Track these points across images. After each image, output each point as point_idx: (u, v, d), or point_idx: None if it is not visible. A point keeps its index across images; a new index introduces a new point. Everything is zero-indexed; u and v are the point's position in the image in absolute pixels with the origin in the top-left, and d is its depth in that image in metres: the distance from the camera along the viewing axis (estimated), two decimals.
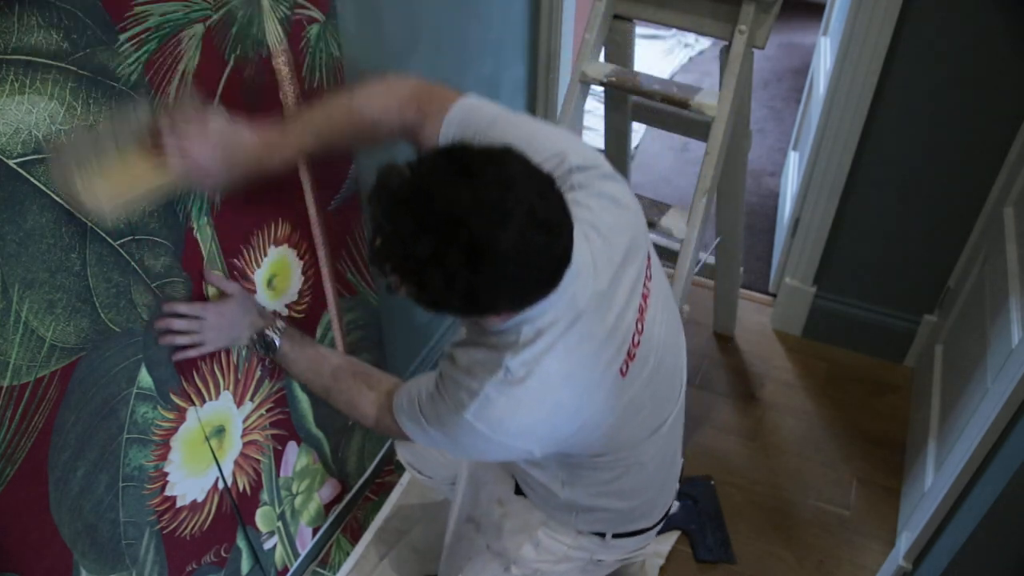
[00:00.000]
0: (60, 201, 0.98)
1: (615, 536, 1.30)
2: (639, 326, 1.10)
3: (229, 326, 1.24)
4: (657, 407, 1.20)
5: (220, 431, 1.38)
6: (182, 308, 1.19)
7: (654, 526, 1.33)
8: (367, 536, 1.91)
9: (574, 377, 1.04)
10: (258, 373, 1.43)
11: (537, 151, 1.01)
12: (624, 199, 1.10)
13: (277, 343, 1.28)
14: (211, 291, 1.26)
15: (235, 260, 1.31)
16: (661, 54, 3.93)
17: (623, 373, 1.09)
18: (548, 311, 1.00)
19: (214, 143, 1.09)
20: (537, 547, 1.32)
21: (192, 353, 1.22)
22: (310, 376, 1.29)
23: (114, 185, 1.02)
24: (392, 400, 1.15)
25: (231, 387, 1.37)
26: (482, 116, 1.08)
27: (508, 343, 1.01)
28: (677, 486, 1.37)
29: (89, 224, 1.02)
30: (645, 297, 1.11)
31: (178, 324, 1.18)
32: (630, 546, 1.33)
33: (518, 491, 1.34)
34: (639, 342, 1.10)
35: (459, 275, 0.87)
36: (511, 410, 1.02)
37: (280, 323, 1.31)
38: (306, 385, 1.29)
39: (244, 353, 1.38)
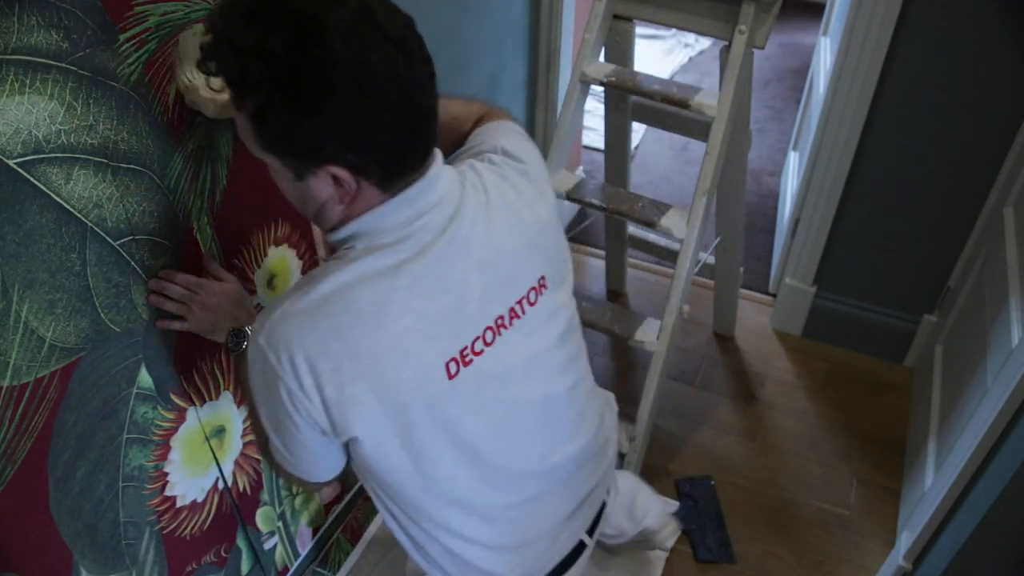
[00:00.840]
0: (60, 201, 0.98)
1: None
2: (488, 336, 0.99)
3: (216, 310, 1.16)
4: (516, 470, 1.09)
5: (220, 431, 1.38)
6: (180, 277, 1.15)
7: None
8: (367, 536, 1.91)
9: (386, 324, 0.91)
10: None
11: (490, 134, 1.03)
12: (536, 203, 1.04)
13: (246, 341, 1.16)
14: None
15: (235, 260, 1.31)
16: (661, 54, 3.94)
17: (449, 372, 0.96)
18: (388, 231, 0.92)
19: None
20: None
21: (175, 325, 1.16)
22: (245, 381, 1.14)
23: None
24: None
25: (231, 387, 1.37)
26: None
27: (337, 256, 0.93)
28: (572, 546, 1.23)
29: (89, 224, 1.02)
30: (512, 315, 1.01)
31: (172, 290, 1.14)
32: None
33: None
34: (481, 351, 0.99)
35: (280, 55, 0.79)
36: (288, 308, 0.90)
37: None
38: (246, 393, 1.17)
39: None
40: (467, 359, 0.98)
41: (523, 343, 1.04)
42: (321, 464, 1.03)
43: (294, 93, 0.81)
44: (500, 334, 1.01)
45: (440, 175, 0.95)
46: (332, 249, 0.99)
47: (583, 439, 1.17)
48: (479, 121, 1.17)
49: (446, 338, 0.96)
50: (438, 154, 0.96)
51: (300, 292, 0.92)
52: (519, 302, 1.02)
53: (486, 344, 0.99)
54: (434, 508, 1.07)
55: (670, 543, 1.75)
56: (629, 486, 1.70)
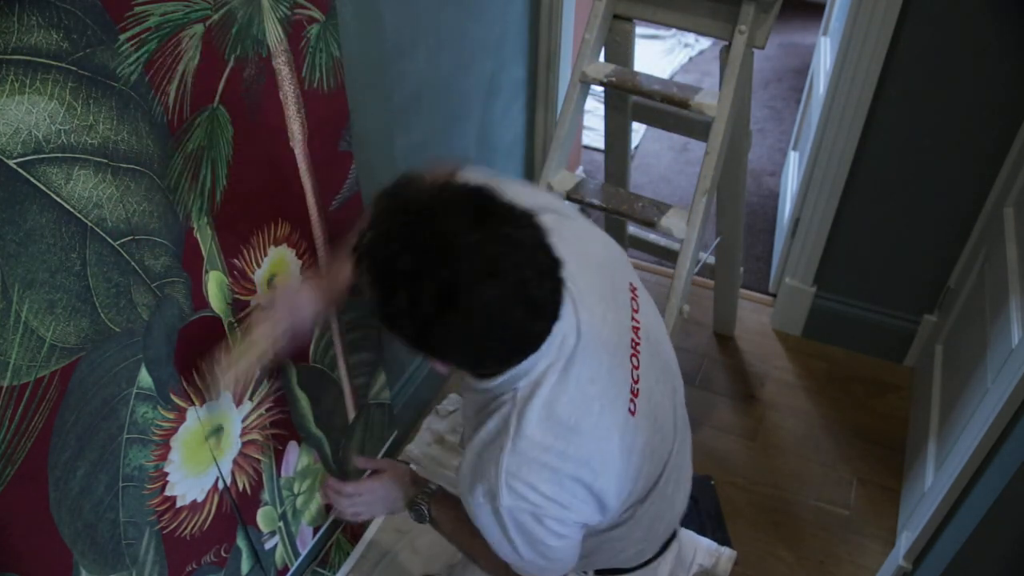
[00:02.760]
0: (60, 201, 0.98)
1: (597, 573, 1.29)
2: (635, 361, 1.08)
3: (384, 500, 1.35)
4: (664, 449, 1.18)
5: (218, 430, 1.38)
6: (348, 488, 1.37)
7: (638, 567, 1.30)
8: (367, 536, 1.91)
9: (586, 420, 1.01)
10: (257, 372, 1.43)
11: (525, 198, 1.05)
12: (597, 234, 1.16)
13: (426, 511, 1.30)
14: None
15: (235, 260, 1.31)
16: (661, 54, 3.94)
17: (632, 412, 1.06)
18: (540, 361, 0.98)
19: (288, 313, 1.27)
20: None
21: (351, 519, 1.42)
22: (456, 535, 1.30)
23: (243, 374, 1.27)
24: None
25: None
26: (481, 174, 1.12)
27: (506, 401, 0.99)
28: (677, 526, 1.34)
29: (89, 224, 1.02)
30: (635, 330, 1.10)
31: (342, 504, 1.38)
32: None
33: None
34: (639, 378, 1.07)
35: (423, 309, 0.85)
36: (536, 472, 0.98)
37: (430, 487, 1.34)
38: (450, 541, 1.33)
39: None
40: (635, 391, 1.07)
41: (655, 346, 1.14)
42: (575, 553, 1.12)
43: (421, 336, 0.91)
44: (639, 354, 1.10)
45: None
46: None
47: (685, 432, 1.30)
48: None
49: (618, 387, 1.05)
50: None
51: (508, 445, 0.98)
52: (633, 316, 1.11)
53: (636, 369, 1.08)
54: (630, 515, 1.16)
55: (729, 571, 1.77)
56: None
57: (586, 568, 1.28)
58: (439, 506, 1.30)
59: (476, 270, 0.84)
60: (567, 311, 1.00)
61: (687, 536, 1.77)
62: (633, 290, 1.14)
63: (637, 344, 1.09)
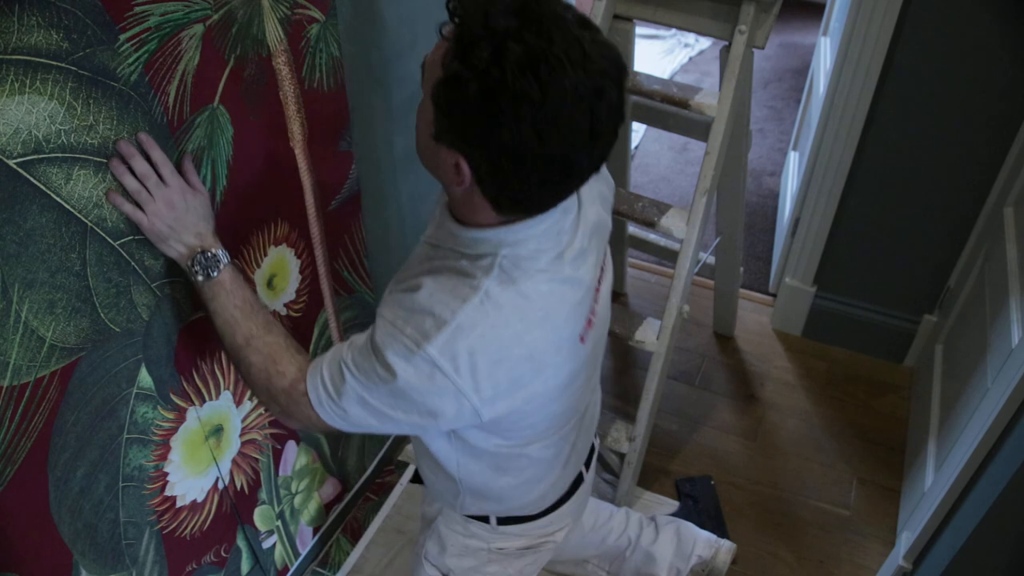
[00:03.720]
0: (60, 201, 0.98)
1: (500, 522, 1.26)
2: (595, 295, 1.07)
3: (183, 212, 1.07)
4: (591, 387, 1.19)
5: (218, 430, 1.38)
6: (155, 154, 1.06)
7: (541, 515, 1.28)
8: (367, 536, 1.91)
9: (549, 320, 0.96)
10: None
11: None
12: (606, 179, 1.16)
13: (221, 265, 1.07)
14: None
15: (235, 260, 1.31)
16: (661, 54, 3.93)
17: (582, 339, 1.04)
18: (531, 239, 0.94)
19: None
20: (440, 542, 1.32)
21: (126, 208, 1.05)
22: (236, 316, 1.06)
23: None
24: (307, 382, 1.01)
25: (231, 387, 1.37)
26: None
27: (483, 267, 0.94)
28: (583, 469, 1.33)
29: (89, 224, 1.02)
30: (602, 271, 1.10)
31: (139, 165, 1.04)
32: (527, 531, 1.29)
33: (417, 479, 1.34)
34: (595, 312, 1.07)
35: (501, 69, 0.79)
36: (486, 341, 0.92)
37: (223, 251, 1.10)
38: (221, 327, 1.07)
39: None
40: (590, 323, 1.05)
41: (605, 297, 1.13)
42: (390, 431, 1.05)
43: (479, 113, 0.83)
44: (600, 288, 1.09)
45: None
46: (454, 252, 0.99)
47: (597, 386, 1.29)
48: None
49: (583, 309, 1.03)
50: None
51: (475, 299, 0.92)
52: (604, 259, 1.11)
53: (595, 303, 1.07)
54: (541, 427, 1.10)
55: (728, 562, 1.77)
56: (669, 526, 1.75)
57: (488, 512, 1.25)
58: (233, 275, 1.08)
59: (568, 53, 0.80)
60: (571, 208, 0.99)
61: (686, 529, 1.78)
62: (604, 259, 1.14)
63: (598, 291, 1.08)
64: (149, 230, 1.07)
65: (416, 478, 1.37)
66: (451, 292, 0.93)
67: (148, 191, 1.05)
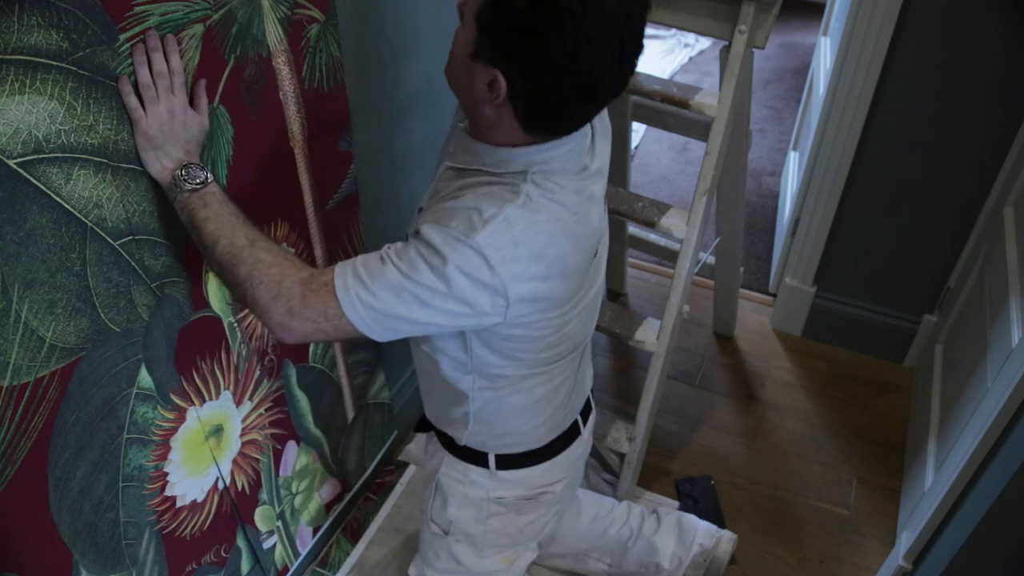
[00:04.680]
0: (60, 201, 0.98)
1: (499, 467, 1.29)
2: (598, 253, 1.14)
3: (180, 124, 1.07)
4: (590, 318, 1.22)
5: (218, 430, 1.38)
6: (174, 63, 1.05)
7: (543, 457, 1.31)
8: (367, 536, 1.91)
9: (579, 226, 1.03)
10: (257, 373, 1.43)
11: None
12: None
13: (210, 177, 1.06)
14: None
15: None
16: (661, 54, 3.93)
17: (596, 252, 1.12)
18: (557, 159, 1.01)
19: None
20: (440, 494, 1.34)
21: (129, 101, 1.02)
22: (233, 221, 1.04)
23: None
24: (334, 270, 1.00)
25: (231, 387, 1.37)
26: None
27: (518, 178, 1.00)
28: (573, 421, 1.35)
29: (89, 224, 1.02)
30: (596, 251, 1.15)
31: (158, 63, 1.03)
32: (526, 479, 1.32)
33: (426, 427, 1.36)
34: (599, 248, 1.14)
35: None
36: (528, 236, 0.98)
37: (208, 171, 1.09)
38: (217, 232, 1.02)
39: (244, 353, 1.38)
40: (596, 251, 1.13)
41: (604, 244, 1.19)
42: (402, 330, 1.03)
43: (523, 20, 0.89)
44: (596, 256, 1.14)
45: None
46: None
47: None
48: None
49: (597, 231, 1.11)
50: None
51: (518, 200, 0.98)
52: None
53: (595, 256, 1.13)
54: (552, 351, 1.15)
55: (730, 552, 1.78)
56: (670, 517, 1.76)
57: (489, 448, 1.28)
58: (224, 192, 1.07)
59: None
60: (587, 135, 1.06)
61: (687, 519, 1.79)
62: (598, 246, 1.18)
63: (595, 255, 1.14)
64: (143, 131, 1.04)
65: (420, 425, 1.39)
66: (494, 196, 0.99)
67: (156, 91, 1.04)
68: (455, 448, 1.31)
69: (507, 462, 1.30)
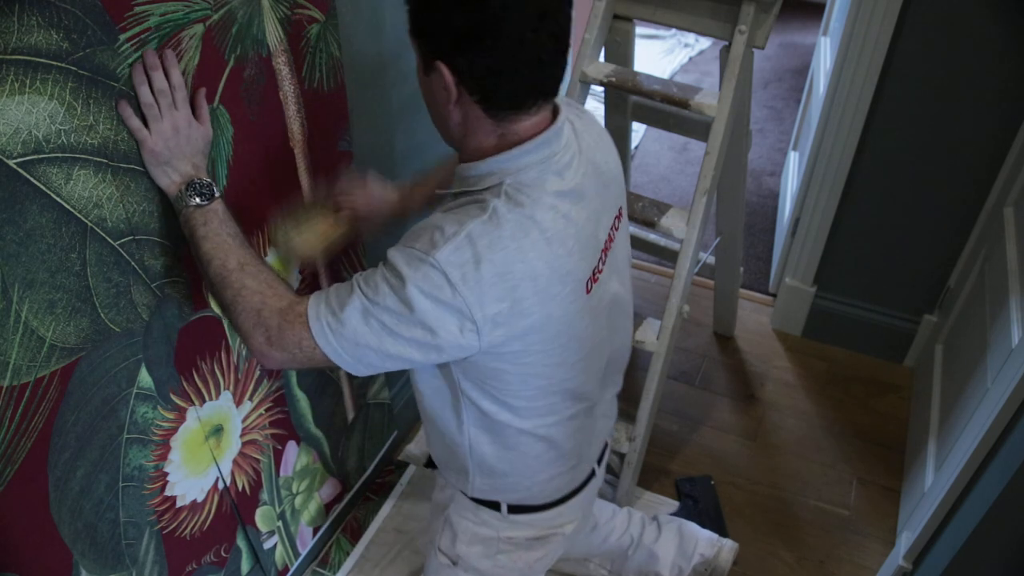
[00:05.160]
0: (60, 201, 0.98)
1: (512, 511, 1.27)
2: (603, 256, 1.09)
3: (185, 139, 1.08)
4: (601, 373, 1.18)
5: (218, 430, 1.38)
6: (175, 78, 1.06)
7: (552, 505, 1.29)
8: (367, 536, 1.91)
9: (553, 246, 0.99)
10: (257, 373, 1.43)
11: None
12: (610, 143, 1.16)
13: (216, 193, 1.08)
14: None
15: None
16: (661, 54, 3.93)
17: (588, 290, 1.06)
18: (532, 166, 0.99)
19: (369, 199, 1.32)
20: (451, 529, 1.33)
21: (132, 123, 1.04)
22: (229, 243, 1.06)
23: (307, 240, 1.29)
24: (309, 300, 1.01)
25: (231, 387, 1.37)
26: None
27: (490, 194, 0.99)
28: (595, 465, 1.35)
29: (89, 224, 1.02)
30: (610, 239, 1.12)
31: (159, 81, 1.04)
32: (537, 522, 1.30)
33: (431, 464, 1.34)
34: (601, 271, 1.09)
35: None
36: (492, 252, 0.95)
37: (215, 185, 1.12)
38: (211, 253, 1.05)
39: (244, 353, 1.38)
40: (596, 278, 1.08)
41: (620, 272, 1.18)
42: (376, 363, 1.02)
43: (460, 18, 0.91)
44: (606, 257, 1.11)
45: (564, 119, 1.03)
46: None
47: (627, 350, 1.31)
48: None
49: (588, 252, 1.06)
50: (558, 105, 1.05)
51: (487, 215, 0.97)
52: (612, 229, 1.13)
53: (602, 263, 1.10)
54: (546, 399, 1.12)
55: (731, 561, 1.78)
56: (671, 525, 1.76)
57: (499, 498, 1.26)
58: (227, 211, 1.09)
59: None
60: (569, 143, 1.03)
61: (688, 528, 1.78)
62: (619, 214, 1.16)
63: (606, 250, 1.10)
64: (150, 149, 1.06)
65: (430, 462, 1.37)
66: (461, 214, 0.98)
67: (159, 109, 1.05)
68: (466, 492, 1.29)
69: (520, 508, 1.28)
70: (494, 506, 1.27)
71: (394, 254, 0.98)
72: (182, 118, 1.07)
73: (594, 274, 1.07)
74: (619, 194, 1.16)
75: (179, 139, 1.07)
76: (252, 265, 1.05)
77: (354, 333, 0.98)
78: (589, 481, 1.34)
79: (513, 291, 0.97)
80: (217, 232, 1.06)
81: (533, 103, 0.98)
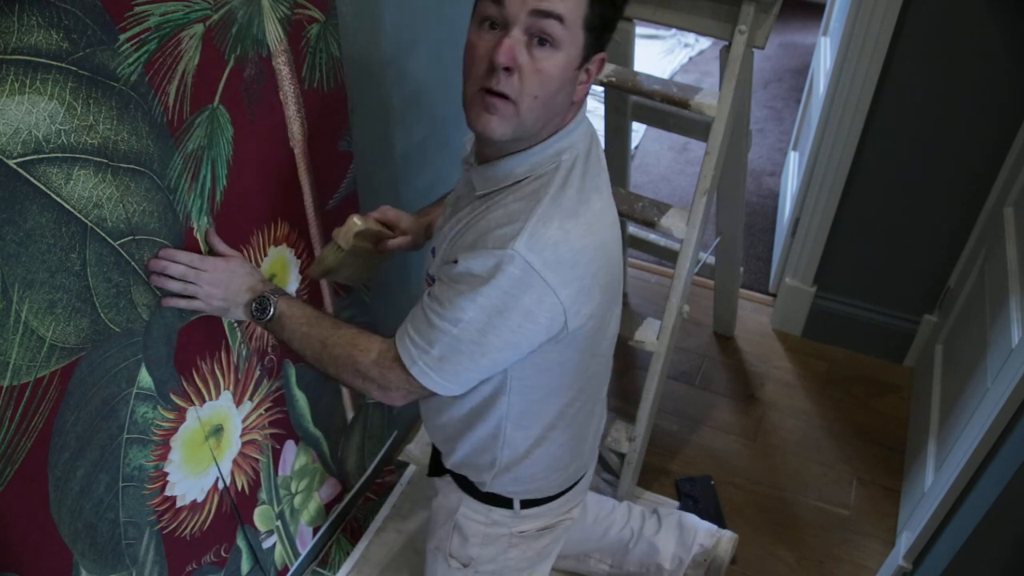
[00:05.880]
0: (60, 201, 0.98)
1: (523, 506, 1.29)
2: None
3: (227, 283, 1.16)
4: (610, 354, 1.22)
5: (218, 430, 1.38)
6: (182, 256, 1.14)
7: (561, 494, 1.32)
8: (367, 536, 1.91)
9: (606, 216, 1.05)
10: (257, 373, 1.43)
11: None
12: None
13: (273, 303, 1.16)
14: None
15: (278, 289, 1.31)
16: (661, 54, 3.94)
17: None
18: (578, 140, 1.03)
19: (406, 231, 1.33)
20: (460, 533, 1.34)
21: (182, 303, 1.15)
22: (306, 331, 1.15)
23: (355, 269, 1.35)
24: (396, 345, 1.07)
25: (231, 387, 1.37)
26: None
27: (550, 171, 1.01)
28: (593, 463, 1.38)
29: (89, 224, 1.02)
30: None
31: (174, 269, 1.12)
32: (547, 512, 1.32)
33: (441, 472, 1.35)
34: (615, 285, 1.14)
35: None
36: (564, 231, 0.96)
37: (278, 288, 1.22)
38: (300, 347, 1.15)
39: (244, 353, 1.38)
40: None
41: None
42: (475, 377, 1.07)
43: None
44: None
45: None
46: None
47: None
48: None
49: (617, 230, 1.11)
50: None
51: (548, 196, 0.99)
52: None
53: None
54: (580, 386, 1.16)
55: (731, 553, 1.78)
56: (671, 517, 1.77)
57: (513, 494, 1.28)
58: (289, 302, 1.17)
59: None
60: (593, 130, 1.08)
61: (688, 519, 1.79)
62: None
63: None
64: (214, 308, 1.17)
65: (433, 471, 1.38)
66: (521, 203, 0.99)
67: (191, 282, 1.14)
68: (476, 492, 1.30)
69: (531, 502, 1.30)
70: (506, 504, 1.28)
71: (465, 262, 0.98)
72: (216, 270, 1.16)
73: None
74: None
75: (224, 288, 1.16)
76: (332, 336, 1.12)
77: (453, 359, 1.02)
78: (590, 465, 1.38)
79: (589, 264, 1.00)
80: (293, 331, 1.15)
81: None
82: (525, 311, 0.97)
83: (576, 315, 1.01)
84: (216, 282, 1.15)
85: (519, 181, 1.02)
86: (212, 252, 1.21)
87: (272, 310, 1.15)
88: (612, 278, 1.07)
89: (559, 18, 0.93)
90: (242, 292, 1.17)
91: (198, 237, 1.21)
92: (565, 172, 1.00)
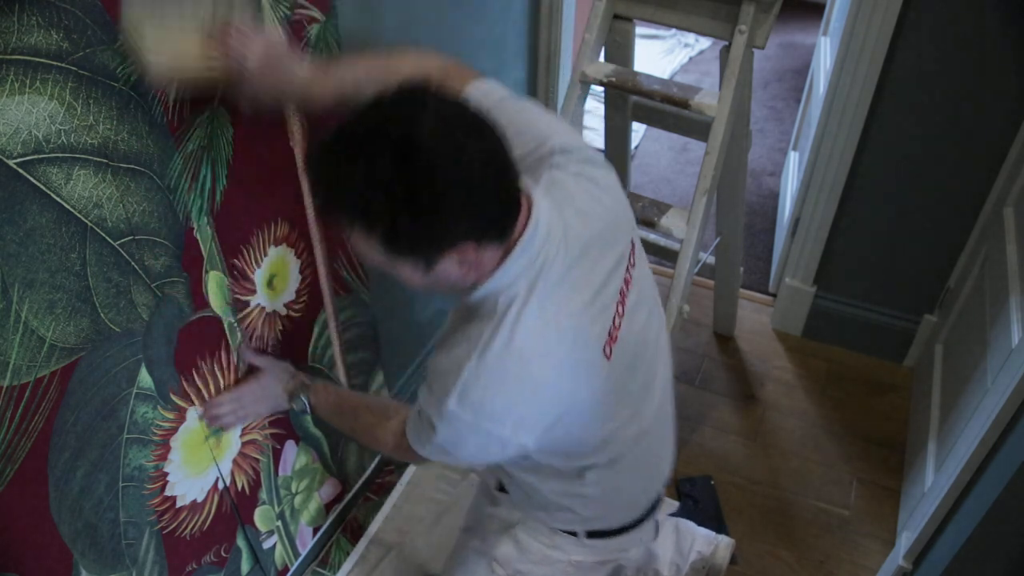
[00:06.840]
0: (60, 201, 0.98)
1: (589, 536, 1.29)
2: (620, 309, 1.09)
3: (266, 398, 1.38)
4: (642, 401, 1.19)
5: (218, 430, 1.38)
6: (223, 397, 1.34)
7: (630, 527, 1.32)
8: (367, 536, 1.91)
9: (552, 351, 1.01)
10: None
11: (523, 133, 1.06)
12: (604, 182, 1.11)
13: (307, 403, 1.36)
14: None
15: (235, 260, 1.31)
16: (661, 54, 3.94)
17: (608, 355, 1.07)
18: (520, 277, 0.98)
19: (268, 56, 1.12)
20: (517, 546, 1.33)
21: (238, 423, 1.39)
22: (336, 420, 1.36)
23: (167, 51, 1.04)
24: (405, 425, 1.15)
25: (231, 386, 1.37)
26: (492, 97, 1.11)
27: (486, 315, 0.99)
28: (662, 489, 1.35)
29: (89, 224, 1.02)
30: (627, 282, 1.11)
31: (223, 409, 1.34)
32: (609, 547, 1.32)
33: (501, 488, 1.35)
34: (620, 325, 1.09)
35: (392, 181, 0.84)
36: (492, 388, 0.98)
37: (305, 378, 1.40)
38: (340, 430, 1.38)
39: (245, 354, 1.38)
40: (614, 337, 1.08)
41: (643, 303, 1.15)
42: (480, 464, 1.23)
43: (416, 205, 0.86)
44: (625, 304, 1.11)
45: (539, 208, 1.00)
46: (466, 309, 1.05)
47: (667, 379, 1.28)
48: (445, 77, 1.13)
49: (597, 329, 1.05)
50: (527, 189, 1.01)
51: (476, 355, 0.98)
52: (628, 268, 1.12)
53: (620, 316, 1.09)
54: (603, 450, 1.16)
55: (728, 558, 1.78)
56: (668, 523, 1.78)
57: (576, 528, 1.28)
58: (317, 395, 1.36)
59: (432, 129, 0.86)
60: (555, 232, 1.01)
61: (685, 526, 1.79)
62: (634, 249, 1.14)
63: (625, 295, 1.10)
64: (261, 417, 1.45)
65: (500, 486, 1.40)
66: (462, 347, 1.00)
67: (237, 405, 1.35)
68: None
69: (596, 534, 1.30)
70: (571, 532, 1.29)
71: (423, 389, 1.05)
72: (253, 389, 1.37)
73: (610, 336, 1.08)
74: (627, 229, 1.14)
75: (266, 400, 1.39)
76: (356, 425, 1.30)
77: (453, 458, 1.10)
78: (656, 507, 1.36)
79: (525, 413, 1.02)
80: (328, 418, 1.37)
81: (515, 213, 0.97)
82: (478, 446, 1.05)
83: (536, 440, 1.04)
84: (257, 400, 1.38)
85: (474, 307, 1.03)
86: (243, 361, 1.39)
87: (308, 401, 1.36)
88: (580, 396, 1.05)
89: (361, 256, 0.98)
90: (281, 397, 1.38)
91: (198, 237, 1.21)
92: (499, 317, 0.98)
